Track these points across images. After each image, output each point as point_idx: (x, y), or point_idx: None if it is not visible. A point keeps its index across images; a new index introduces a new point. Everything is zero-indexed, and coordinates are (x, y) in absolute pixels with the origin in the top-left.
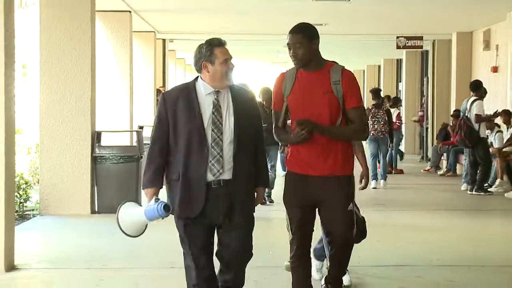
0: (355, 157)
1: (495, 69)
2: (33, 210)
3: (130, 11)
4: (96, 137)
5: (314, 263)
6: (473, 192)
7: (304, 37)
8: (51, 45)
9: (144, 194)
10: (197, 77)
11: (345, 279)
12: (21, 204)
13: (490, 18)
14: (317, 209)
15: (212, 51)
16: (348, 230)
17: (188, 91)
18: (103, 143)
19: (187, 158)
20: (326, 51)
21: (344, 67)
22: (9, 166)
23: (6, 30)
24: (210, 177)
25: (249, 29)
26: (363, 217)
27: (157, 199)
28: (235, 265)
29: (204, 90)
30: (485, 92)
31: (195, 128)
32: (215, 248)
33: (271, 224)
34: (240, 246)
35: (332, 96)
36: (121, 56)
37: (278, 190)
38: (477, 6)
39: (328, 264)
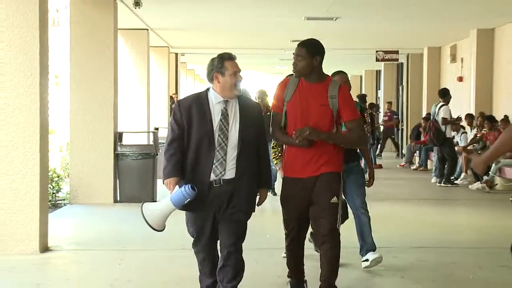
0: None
1: (460, 79)
2: (64, 199)
3: (147, 29)
4: (118, 137)
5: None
6: (442, 184)
7: (307, 52)
8: (79, 59)
9: (161, 187)
10: (209, 87)
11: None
12: (54, 195)
13: (456, 35)
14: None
15: (223, 64)
16: (331, 220)
17: (201, 100)
18: (124, 142)
19: (196, 159)
20: None
21: (341, 84)
22: (43, 162)
23: (41, 46)
24: (212, 177)
25: (249, 44)
26: (345, 200)
27: (180, 186)
28: (231, 248)
29: (214, 99)
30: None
31: (206, 133)
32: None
33: (270, 212)
34: (235, 233)
35: (327, 109)
36: (139, 68)
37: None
38: (445, 24)
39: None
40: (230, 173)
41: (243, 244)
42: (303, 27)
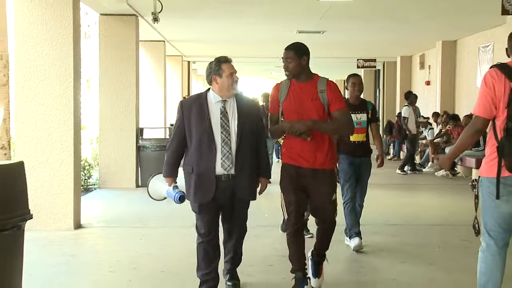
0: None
1: (428, 83)
2: (94, 184)
3: (164, 41)
4: (140, 132)
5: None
6: (400, 172)
7: (295, 53)
8: (107, 66)
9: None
10: (209, 88)
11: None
12: (85, 180)
13: (424, 46)
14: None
15: (220, 66)
16: (333, 214)
17: (201, 100)
18: (144, 136)
19: (199, 155)
20: None
21: (328, 79)
22: (77, 153)
23: (75, 55)
24: (221, 171)
25: (249, 53)
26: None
27: (175, 186)
28: (234, 234)
29: (213, 99)
30: (415, 98)
31: (205, 130)
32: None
33: (267, 196)
34: (237, 223)
35: (318, 103)
36: (157, 73)
37: (272, 173)
38: (415, 37)
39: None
40: (233, 168)
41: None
42: (295, 39)
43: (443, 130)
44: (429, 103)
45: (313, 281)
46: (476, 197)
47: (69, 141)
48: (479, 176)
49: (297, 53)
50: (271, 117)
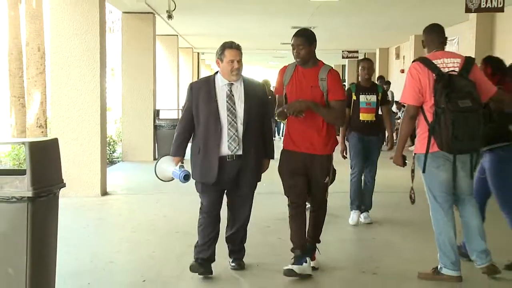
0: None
1: (402, 71)
2: (118, 158)
3: (177, 35)
4: (156, 113)
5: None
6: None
7: (307, 40)
8: (128, 57)
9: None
10: (217, 71)
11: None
12: (110, 154)
13: (399, 39)
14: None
15: (223, 51)
16: (324, 195)
17: (209, 82)
18: (160, 116)
19: (206, 136)
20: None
21: (332, 67)
22: (103, 131)
23: (101, 47)
24: (227, 152)
25: (250, 46)
26: (335, 169)
27: (181, 166)
28: (239, 220)
29: (221, 82)
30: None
31: (212, 112)
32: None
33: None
34: (242, 208)
35: (317, 90)
36: (171, 63)
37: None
38: (391, 31)
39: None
40: (240, 149)
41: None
42: (290, 33)
43: None
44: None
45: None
46: (412, 171)
47: (96, 121)
48: (415, 153)
49: (308, 40)
50: (278, 99)
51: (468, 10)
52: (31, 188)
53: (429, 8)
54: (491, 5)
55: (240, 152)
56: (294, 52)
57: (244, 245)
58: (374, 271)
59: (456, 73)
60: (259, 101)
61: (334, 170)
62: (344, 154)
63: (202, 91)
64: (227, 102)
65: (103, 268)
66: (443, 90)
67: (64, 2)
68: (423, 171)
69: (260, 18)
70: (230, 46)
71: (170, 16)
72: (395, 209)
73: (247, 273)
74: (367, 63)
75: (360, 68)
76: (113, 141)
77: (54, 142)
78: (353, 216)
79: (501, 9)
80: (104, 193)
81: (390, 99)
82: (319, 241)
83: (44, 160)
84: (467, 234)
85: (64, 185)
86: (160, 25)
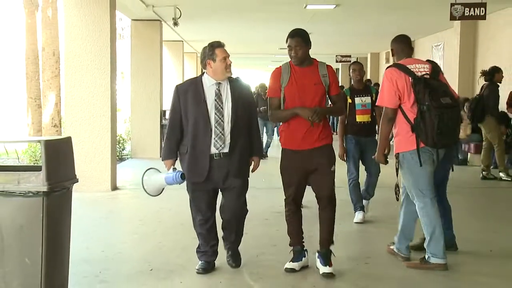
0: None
1: None
2: (127, 155)
3: (182, 41)
4: (163, 113)
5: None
6: None
7: (303, 41)
8: (137, 61)
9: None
10: (203, 72)
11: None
12: (120, 152)
13: (388, 45)
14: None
15: (213, 51)
16: (332, 187)
17: (196, 83)
18: (167, 116)
19: (195, 136)
20: None
21: (326, 63)
22: (113, 130)
23: (111, 52)
24: (213, 150)
25: (250, 51)
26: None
27: (174, 169)
28: (233, 221)
29: (208, 82)
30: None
31: (201, 112)
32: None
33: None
34: (235, 204)
35: (321, 87)
36: (177, 67)
37: (274, 151)
38: (381, 37)
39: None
40: (227, 147)
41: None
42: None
43: None
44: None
45: (325, 269)
46: (397, 170)
47: (107, 121)
48: (398, 153)
49: (305, 40)
50: (271, 101)
51: (452, 18)
52: (46, 183)
53: (416, 16)
54: (474, 13)
55: (226, 150)
56: (291, 52)
57: (240, 237)
58: (365, 261)
59: (428, 76)
60: (245, 101)
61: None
62: (344, 157)
63: (189, 92)
64: (215, 101)
65: (113, 258)
66: (425, 89)
67: (77, 10)
68: (421, 165)
69: (258, 25)
70: (219, 45)
71: (175, 23)
72: (384, 204)
73: (248, 263)
74: (357, 65)
75: (351, 71)
76: (123, 140)
77: (68, 140)
78: (358, 215)
79: (483, 17)
80: (114, 188)
81: None
82: (333, 243)
83: (58, 157)
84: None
85: (77, 181)
86: (166, 31)
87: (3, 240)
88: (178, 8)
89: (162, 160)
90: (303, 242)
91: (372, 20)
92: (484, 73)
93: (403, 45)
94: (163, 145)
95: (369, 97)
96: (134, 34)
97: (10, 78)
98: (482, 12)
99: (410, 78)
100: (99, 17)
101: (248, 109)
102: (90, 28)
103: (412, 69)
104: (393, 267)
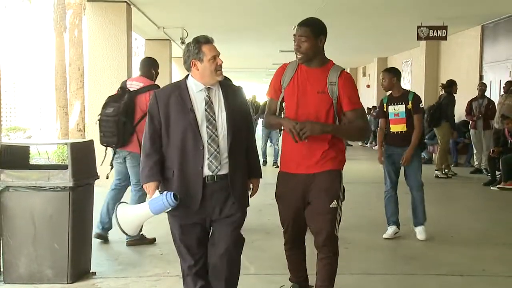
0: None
1: (368, 86)
2: None
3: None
4: None
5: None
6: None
7: (311, 31)
8: None
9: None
10: (188, 75)
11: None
12: None
13: (366, 61)
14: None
15: (200, 49)
16: (332, 229)
17: (180, 89)
18: None
19: (182, 155)
20: None
21: (344, 69)
22: None
23: (128, 67)
24: (207, 172)
25: (245, 65)
26: (343, 186)
27: (160, 192)
28: (225, 262)
29: (195, 88)
30: None
31: (189, 125)
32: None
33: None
34: (231, 239)
35: (325, 97)
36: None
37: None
38: (359, 55)
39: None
40: (224, 168)
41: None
42: (279, 56)
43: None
44: (369, 100)
45: None
46: None
47: None
48: None
49: (314, 31)
50: (269, 103)
51: (419, 38)
52: (72, 179)
53: (389, 36)
54: (437, 34)
55: (223, 172)
56: (295, 44)
57: None
58: (345, 246)
59: None
60: (240, 107)
61: (343, 188)
62: (381, 160)
63: (172, 100)
64: (206, 111)
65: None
66: None
67: (99, 31)
68: None
69: (253, 42)
70: (207, 41)
71: (183, 42)
72: (362, 197)
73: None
74: (383, 73)
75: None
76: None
77: (91, 143)
78: (388, 230)
79: (445, 38)
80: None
81: None
82: None
83: (82, 157)
84: None
85: (98, 177)
86: (175, 49)
87: (35, 228)
88: (185, 29)
89: (143, 184)
90: (305, 279)
91: (350, 39)
92: (443, 86)
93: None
94: (140, 165)
95: (403, 105)
96: (148, 52)
97: (42, 90)
98: (444, 33)
99: None
100: (118, 37)
101: (244, 118)
102: (109, 46)
103: None
104: (370, 249)
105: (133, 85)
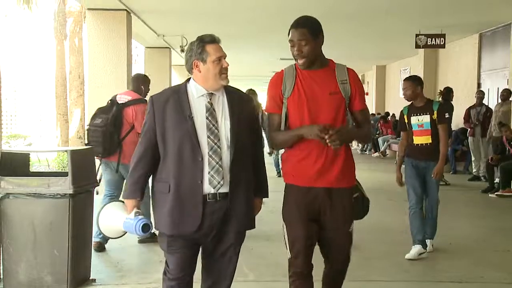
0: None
1: (367, 93)
2: None
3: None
4: None
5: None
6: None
7: (310, 32)
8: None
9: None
10: (189, 78)
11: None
12: None
13: (365, 68)
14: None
15: (203, 48)
16: (348, 250)
17: (179, 94)
18: None
19: (179, 168)
20: None
21: (346, 66)
22: None
23: (128, 75)
24: (209, 189)
25: (245, 73)
26: (367, 198)
27: (137, 213)
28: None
29: (196, 92)
30: None
31: (186, 134)
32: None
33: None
34: (228, 264)
35: (339, 97)
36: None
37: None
38: (358, 63)
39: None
40: (226, 184)
41: None
42: (278, 63)
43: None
44: (368, 108)
45: None
46: None
47: None
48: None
49: (312, 32)
50: (270, 118)
51: (417, 46)
52: (71, 186)
53: (388, 44)
54: (435, 42)
55: (225, 189)
56: (294, 50)
57: None
58: None
59: None
60: (247, 116)
61: (367, 199)
62: (400, 181)
63: (169, 105)
64: (207, 118)
65: (129, 250)
66: None
67: (99, 39)
68: None
69: (253, 50)
70: (212, 40)
71: (182, 50)
72: None
73: (243, 254)
74: (405, 83)
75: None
76: None
77: (90, 150)
78: (412, 250)
79: (443, 46)
80: None
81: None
82: None
83: (82, 165)
84: None
85: (98, 184)
86: (175, 57)
87: (35, 235)
88: (185, 37)
89: (123, 198)
90: None
91: (350, 47)
92: (441, 93)
93: None
94: (127, 177)
95: (428, 116)
96: (147, 60)
97: (42, 97)
98: (442, 41)
99: None
100: (118, 45)
101: (252, 129)
102: (110, 54)
103: None
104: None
105: (122, 99)
